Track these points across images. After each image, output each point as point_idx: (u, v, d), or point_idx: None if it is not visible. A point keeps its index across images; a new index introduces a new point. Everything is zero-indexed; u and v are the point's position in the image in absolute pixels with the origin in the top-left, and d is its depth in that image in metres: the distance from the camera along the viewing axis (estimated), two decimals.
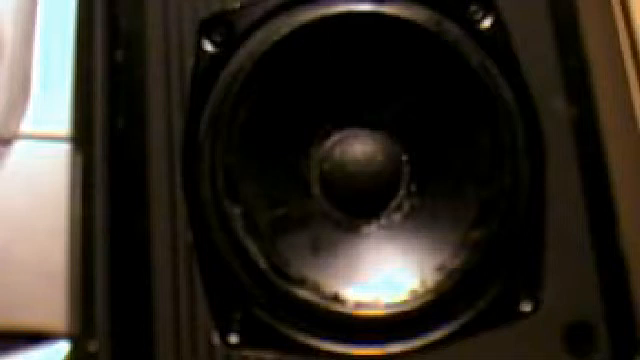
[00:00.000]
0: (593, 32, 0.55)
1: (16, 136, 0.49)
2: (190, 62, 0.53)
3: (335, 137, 0.55)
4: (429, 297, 0.51)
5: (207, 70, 0.53)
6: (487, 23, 0.53)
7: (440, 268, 0.51)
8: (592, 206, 0.52)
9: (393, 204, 0.54)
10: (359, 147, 0.54)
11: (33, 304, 0.46)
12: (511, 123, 0.52)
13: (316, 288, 0.51)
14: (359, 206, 0.54)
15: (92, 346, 0.48)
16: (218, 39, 0.53)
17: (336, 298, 0.51)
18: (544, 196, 0.52)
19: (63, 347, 0.46)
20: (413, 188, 0.54)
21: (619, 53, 0.55)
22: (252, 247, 0.50)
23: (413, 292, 0.51)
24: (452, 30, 0.53)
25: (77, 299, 0.47)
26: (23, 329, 0.46)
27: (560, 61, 0.54)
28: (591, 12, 0.55)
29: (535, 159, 0.52)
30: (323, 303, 0.50)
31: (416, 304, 0.50)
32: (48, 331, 0.46)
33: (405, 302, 0.51)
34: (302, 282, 0.51)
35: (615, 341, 0.51)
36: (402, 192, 0.54)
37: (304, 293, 0.50)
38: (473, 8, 0.53)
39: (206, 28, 0.53)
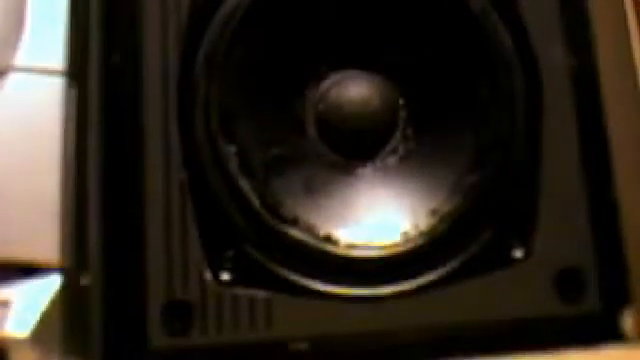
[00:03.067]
0: None
1: (10, 69, 0.48)
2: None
3: (332, 78, 0.54)
4: (421, 240, 0.50)
5: (204, 6, 0.52)
6: None
7: (433, 212, 0.51)
8: (587, 155, 0.52)
9: (388, 147, 0.53)
10: (355, 89, 0.54)
11: (26, 236, 0.46)
12: (510, 70, 0.52)
13: (309, 228, 0.50)
14: (354, 148, 0.53)
15: (84, 279, 0.48)
16: None
17: (329, 239, 0.50)
18: (540, 144, 0.52)
19: (56, 280, 0.46)
20: (409, 132, 0.53)
21: (621, 2, 0.55)
22: (246, 186, 0.50)
23: (406, 235, 0.51)
24: None
25: (70, 232, 0.47)
26: (16, 261, 0.46)
27: (561, 10, 0.54)
28: None
29: (533, 107, 0.52)
30: (316, 243, 0.50)
31: (408, 247, 0.50)
32: (41, 264, 0.46)
33: (397, 245, 0.50)
34: (295, 222, 0.50)
35: (605, 289, 0.51)
36: (398, 135, 0.53)
37: (297, 233, 0.50)
38: None
39: None
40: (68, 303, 0.46)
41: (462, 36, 0.52)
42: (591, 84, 0.53)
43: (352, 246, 0.50)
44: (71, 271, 0.47)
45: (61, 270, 0.46)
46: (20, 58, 0.48)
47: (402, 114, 0.54)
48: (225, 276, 0.50)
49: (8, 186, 0.46)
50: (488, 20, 0.52)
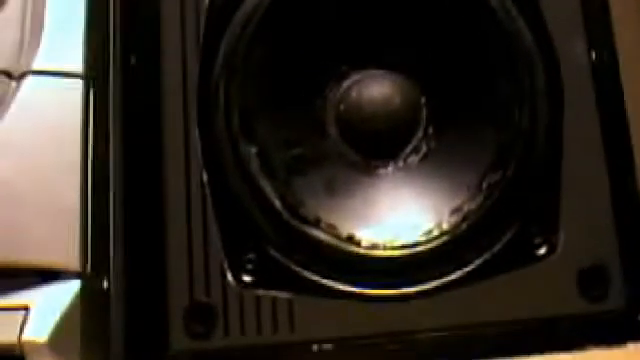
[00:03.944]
0: None
1: (29, 71, 0.47)
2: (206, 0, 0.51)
3: (353, 78, 0.52)
4: (444, 239, 0.49)
5: (223, 8, 0.50)
6: None
7: (456, 211, 0.50)
8: (609, 150, 0.51)
9: (410, 146, 0.52)
10: (376, 88, 0.52)
11: (45, 241, 0.45)
12: (530, 65, 0.50)
13: (331, 229, 0.49)
14: (376, 148, 0.52)
15: (105, 283, 0.47)
16: None
17: (351, 239, 0.49)
18: (562, 139, 0.51)
19: (75, 284, 0.45)
20: (430, 130, 0.52)
21: None
22: (267, 187, 0.49)
23: (428, 234, 0.49)
24: None
25: (90, 236, 0.46)
26: (35, 266, 0.45)
27: (581, 5, 0.52)
28: None
29: (553, 102, 0.51)
30: (338, 244, 0.49)
31: (431, 246, 0.49)
32: (60, 268, 0.45)
33: (420, 244, 0.49)
34: (317, 223, 0.49)
35: (629, 286, 0.50)
36: (419, 134, 0.52)
37: (319, 234, 0.49)
38: None
39: None
40: (88, 307, 0.46)
41: (482, 33, 0.51)
42: (612, 79, 0.52)
43: (374, 246, 0.49)
44: (91, 275, 0.46)
45: (80, 275, 0.45)
46: (39, 61, 0.47)
47: (423, 112, 0.52)
48: (247, 278, 0.49)
49: (27, 190, 0.45)
50: (508, 16, 0.51)
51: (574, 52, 0.52)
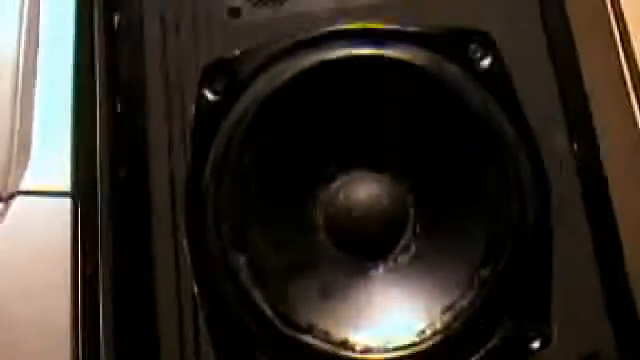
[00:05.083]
0: (595, 67, 0.53)
1: (16, 192, 0.47)
2: (191, 110, 0.51)
3: (340, 180, 0.52)
4: (438, 338, 0.48)
5: (209, 118, 0.50)
6: (486, 62, 0.51)
7: (448, 309, 0.49)
8: (598, 239, 0.50)
9: (400, 246, 0.51)
10: (364, 190, 0.52)
11: None
12: (515, 159, 0.50)
13: (324, 334, 0.48)
14: (366, 250, 0.51)
15: None
16: (219, 87, 0.51)
17: (345, 344, 0.48)
18: (550, 231, 0.50)
19: None
20: (419, 229, 0.52)
21: (622, 86, 0.54)
22: (258, 296, 0.48)
23: (422, 334, 0.48)
24: (452, 70, 0.51)
25: (81, 358, 0.45)
26: None
27: (560, 98, 0.52)
28: (592, 49, 0.53)
29: (539, 194, 0.50)
30: (332, 349, 0.48)
31: (425, 347, 0.48)
32: None
33: (414, 345, 0.48)
34: (310, 329, 0.48)
35: None
36: (408, 234, 0.52)
37: (312, 340, 0.48)
38: (472, 47, 0.52)
39: (207, 76, 0.51)
40: None
41: (465, 130, 0.51)
42: (594, 167, 0.52)
43: (368, 350, 0.48)
44: None
45: None
46: (26, 181, 0.47)
47: (411, 211, 0.52)
48: None
49: (16, 310, 0.44)
50: (489, 112, 0.51)
51: (556, 145, 0.52)
